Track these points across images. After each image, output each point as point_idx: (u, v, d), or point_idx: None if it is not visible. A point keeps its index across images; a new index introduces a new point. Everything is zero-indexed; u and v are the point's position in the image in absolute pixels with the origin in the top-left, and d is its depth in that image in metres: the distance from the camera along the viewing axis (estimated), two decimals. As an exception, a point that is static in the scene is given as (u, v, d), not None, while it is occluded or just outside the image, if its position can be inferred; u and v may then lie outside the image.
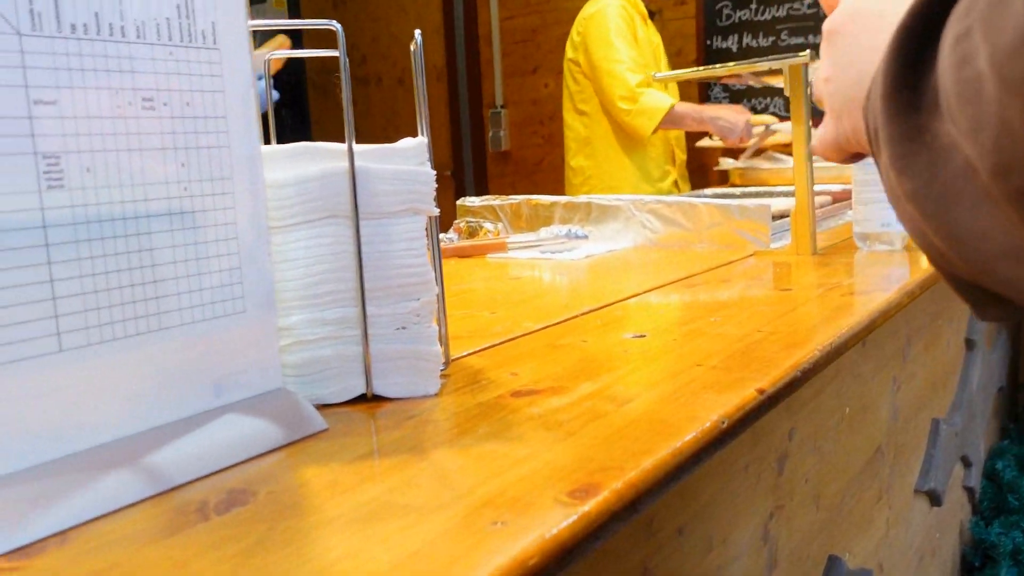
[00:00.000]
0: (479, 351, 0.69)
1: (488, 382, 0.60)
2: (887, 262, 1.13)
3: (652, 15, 2.63)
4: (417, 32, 0.60)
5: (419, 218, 0.58)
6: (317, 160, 0.55)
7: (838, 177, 1.82)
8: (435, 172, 0.58)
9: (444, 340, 0.63)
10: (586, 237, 1.41)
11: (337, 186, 0.55)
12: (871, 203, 1.20)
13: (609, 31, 2.43)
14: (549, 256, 1.31)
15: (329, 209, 0.55)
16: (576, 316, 0.82)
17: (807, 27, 3.20)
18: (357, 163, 0.55)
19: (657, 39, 2.63)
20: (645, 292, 0.95)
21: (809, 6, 3.18)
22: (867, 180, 1.21)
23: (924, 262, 1.13)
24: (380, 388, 0.57)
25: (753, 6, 3.30)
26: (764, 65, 1.24)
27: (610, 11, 2.45)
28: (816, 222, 1.25)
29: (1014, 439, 2.12)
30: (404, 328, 0.57)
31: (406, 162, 0.58)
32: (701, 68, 1.37)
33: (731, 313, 0.81)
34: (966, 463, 1.75)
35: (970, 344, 1.74)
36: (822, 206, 1.63)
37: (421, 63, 0.60)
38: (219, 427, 0.47)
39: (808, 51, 1.14)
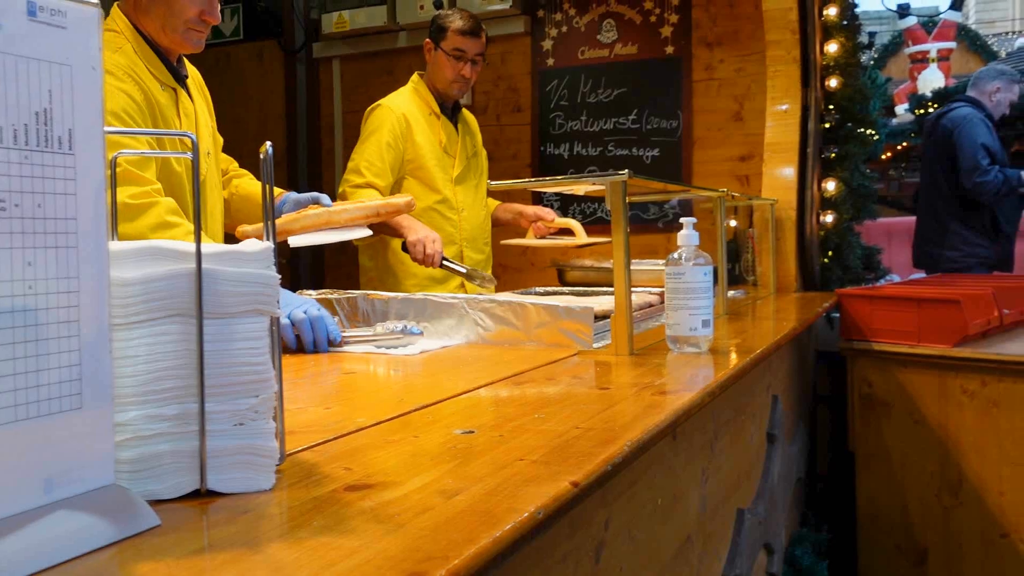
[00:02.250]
0: (313, 447, 0.71)
1: (322, 477, 0.62)
2: (695, 363, 1.24)
3: (457, 108, 2.54)
4: (268, 144, 0.64)
5: (262, 318, 0.61)
6: (163, 260, 0.57)
7: (655, 280, 1.97)
8: (280, 276, 0.61)
9: (280, 436, 0.65)
10: (421, 333, 1.46)
11: (182, 286, 0.57)
12: (681, 309, 1.32)
13: (363, 133, 2.39)
14: (384, 351, 1.34)
15: (173, 308, 0.57)
16: (409, 412, 0.86)
17: (631, 140, 3.47)
18: (204, 265, 0.58)
19: (460, 135, 2.51)
20: (476, 388, 1.01)
21: (632, 122, 3.45)
22: (677, 288, 1.33)
23: (728, 362, 1.25)
24: (215, 483, 0.58)
25: (583, 118, 3.55)
26: (588, 181, 1.35)
27: (375, 113, 2.41)
28: (634, 324, 1.36)
29: (811, 526, 2.29)
30: (242, 424, 0.59)
31: (252, 265, 0.61)
32: (533, 180, 1.48)
33: (554, 410, 0.87)
34: (769, 550, 1.88)
35: (771, 438, 1.90)
36: (646, 306, 1.76)
37: (271, 172, 0.64)
38: (50, 523, 0.47)
39: (626, 170, 1.26)
